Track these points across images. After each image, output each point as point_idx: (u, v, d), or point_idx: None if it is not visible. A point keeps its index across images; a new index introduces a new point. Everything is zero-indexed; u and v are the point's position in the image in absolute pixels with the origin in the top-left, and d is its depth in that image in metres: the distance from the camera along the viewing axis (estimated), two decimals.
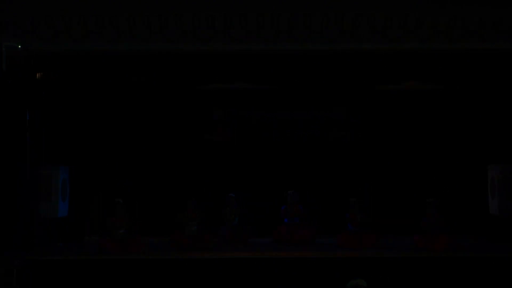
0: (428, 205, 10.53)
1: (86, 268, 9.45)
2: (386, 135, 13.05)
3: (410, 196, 12.16)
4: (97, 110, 12.75)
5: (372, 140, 13.06)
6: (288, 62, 10.69)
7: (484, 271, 9.32)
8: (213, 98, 12.88)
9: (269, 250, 10.65)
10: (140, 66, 10.59)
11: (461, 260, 9.53)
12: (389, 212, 12.61)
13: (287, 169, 12.96)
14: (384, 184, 12.87)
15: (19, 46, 10.12)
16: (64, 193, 11.44)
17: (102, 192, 12.63)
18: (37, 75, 10.56)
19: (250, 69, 10.68)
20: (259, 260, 9.64)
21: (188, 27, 10.29)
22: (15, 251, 10.12)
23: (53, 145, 11.62)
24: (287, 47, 10.48)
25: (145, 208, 12.48)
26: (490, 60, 10.63)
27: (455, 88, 11.89)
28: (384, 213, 12.48)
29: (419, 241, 10.32)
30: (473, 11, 10.23)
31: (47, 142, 11.50)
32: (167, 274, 9.38)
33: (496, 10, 10.19)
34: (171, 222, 11.16)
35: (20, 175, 10.53)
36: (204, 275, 9.34)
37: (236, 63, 10.64)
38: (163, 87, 10.62)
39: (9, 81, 10.36)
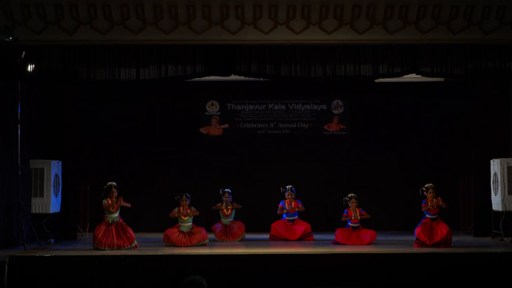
0: (426, 190, 10.45)
1: (78, 264, 9.28)
2: (385, 129, 12.91)
3: (411, 191, 11.95)
4: (89, 103, 12.64)
5: (370, 133, 12.92)
6: (284, 54, 10.51)
7: (482, 266, 9.15)
8: (207, 91, 12.76)
9: (265, 246, 10.56)
10: (134, 58, 10.42)
11: (460, 256, 9.38)
12: (387, 208, 12.49)
13: (285, 164, 12.84)
14: (382, 179, 12.74)
15: (10, 38, 9.94)
16: (57, 189, 11.26)
17: (95, 187, 12.50)
18: (29, 67, 10.40)
19: (245, 62, 10.50)
20: (256, 256, 9.44)
21: (182, 19, 10.12)
22: (6, 247, 9.99)
23: (45, 139, 11.48)
24: (284, 38, 10.30)
25: (139, 203, 12.34)
26: (491, 53, 10.43)
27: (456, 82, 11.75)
28: (383, 209, 12.35)
29: (420, 234, 10.19)
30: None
31: (39, 136, 11.35)
32: (161, 270, 9.19)
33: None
34: (166, 217, 10.99)
35: (11, 169, 10.33)
36: (200, 271, 9.15)
37: (232, 55, 10.46)
38: (156, 80, 10.45)
39: (0, 73, 10.21)
